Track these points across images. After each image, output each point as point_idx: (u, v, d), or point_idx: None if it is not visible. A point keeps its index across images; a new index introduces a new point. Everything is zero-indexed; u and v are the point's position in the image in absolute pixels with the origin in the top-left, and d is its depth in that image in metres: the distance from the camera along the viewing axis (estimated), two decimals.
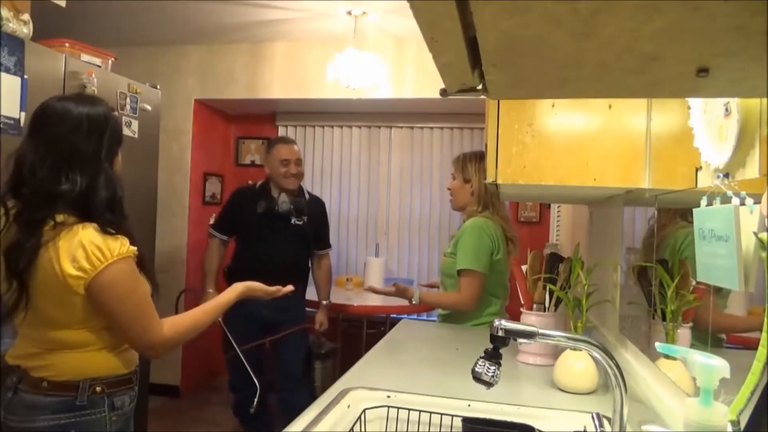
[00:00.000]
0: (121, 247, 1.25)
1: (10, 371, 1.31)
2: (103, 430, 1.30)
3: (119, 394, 1.34)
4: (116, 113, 1.39)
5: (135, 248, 1.29)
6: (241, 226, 2.92)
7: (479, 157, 2.32)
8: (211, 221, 3.13)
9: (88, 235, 1.22)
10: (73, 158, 1.24)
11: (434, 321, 2.43)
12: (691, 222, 0.88)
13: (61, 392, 1.26)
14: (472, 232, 2.19)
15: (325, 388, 1.32)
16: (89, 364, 1.29)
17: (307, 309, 3.10)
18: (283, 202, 2.84)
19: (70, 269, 1.20)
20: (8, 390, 1.29)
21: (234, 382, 2.98)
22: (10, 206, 1.27)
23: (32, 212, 1.23)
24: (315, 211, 2.97)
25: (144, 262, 1.34)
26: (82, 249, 1.20)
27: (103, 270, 1.21)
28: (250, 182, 3.07)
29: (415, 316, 3.58)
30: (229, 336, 2.84)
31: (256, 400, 2.77)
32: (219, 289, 3.00)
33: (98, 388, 1.29)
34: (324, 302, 3.07)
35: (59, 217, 1.23)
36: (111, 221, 1.27)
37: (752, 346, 0.67)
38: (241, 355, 2.81)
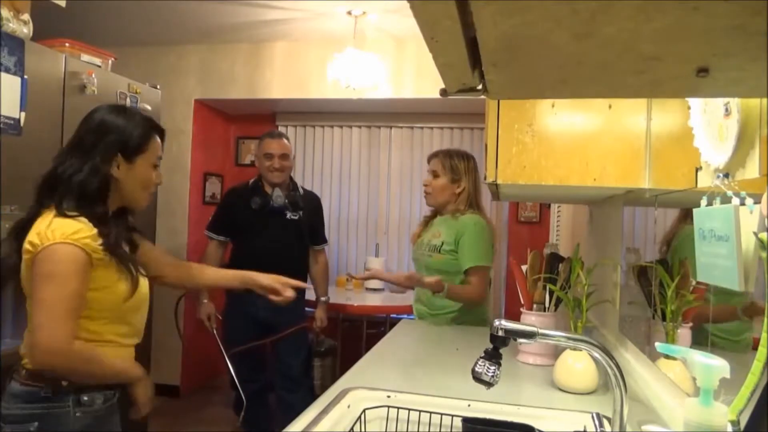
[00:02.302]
0: (76, 233, 1.25)
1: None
2: (66, 425, 1.28)
3: (88, 390, 1.32)
4: (155, 132, 1.45)
5: (96, 246, 1.27)
6: (236, 225, 2.91)
7: (465, 156, 2.36)
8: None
9: (53, 217, 1.28)
10: (75, 148, 1.36)
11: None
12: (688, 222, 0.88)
13: (32, 382, 1.28)
14: (478, 230, 2.23)
15: (325, 385, 1.32)
16: None
17: (307, 309, 3.10)
18: (278, 196, 2.83)
19: (27, 244, 1.26)
20: (8, 377, 1.34)
21: (236, 381, 2.98)
22: None
23: (39, 192, 1.34)
24: (310, 205, 2.96)
25: (120, 257, 1.33)
26: (42, 227, 1.26)
27: (47, 246, 1.23)
28: (244, 182, 3.06)
29: (414, 316, 3.57)
30: (221, 346, 2.86)
31: (242, 413, 2.79)
32: (214, 298, 3.00)
33: (64, 382, 1.29)
34: (322, 299, 3.06)
35: (49, 201, 1.31)
36: (85, 206, 1.31)
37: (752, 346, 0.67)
38: (228, 362, 2.82)
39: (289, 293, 1.58)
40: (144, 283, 1.42)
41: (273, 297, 1.60)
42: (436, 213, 2.42)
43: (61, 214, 1.28)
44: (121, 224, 1.43)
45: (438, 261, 2.28)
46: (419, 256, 2.37)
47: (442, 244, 2.27)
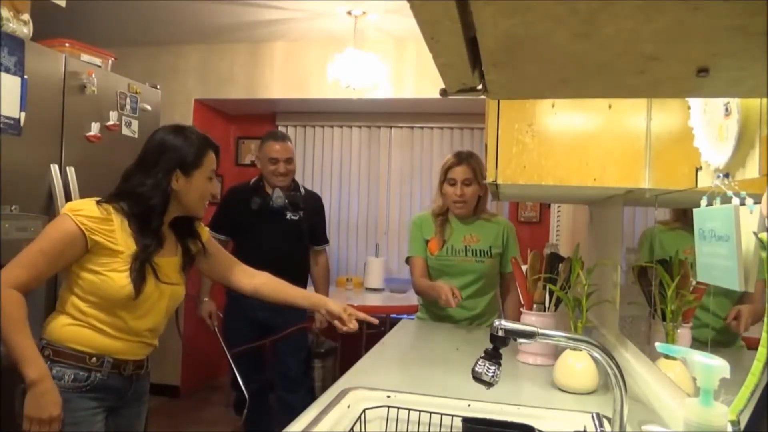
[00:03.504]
0: (79, 210, 1.38)
1: None
2: None
3: (62, 365, 1.38)
4: (212, 146, 1.59)
5: (94, 227, 1.37)
6: (236, 225, 2.91)
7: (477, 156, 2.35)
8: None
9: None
10: (141, 166, 1.50)
11: (435, 322, 2.40)
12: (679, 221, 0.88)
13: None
14: (515, 232, 2.39)
15: (325, 387, 1.32)
16: (50, 325, 1.43)
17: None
18: (278, 197, 2.81)
19: None
20: None
21: (236, 381, 2.98)
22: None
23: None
24: (311, 206, 2.95)
25: (140, 259, 1.42)
26: None
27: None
28: (245, 182, 3.06)
29: (414, 316, 3.58)
30: (223, 344, 2.85)
31: (245, 412, 2.78)
32: (214, 297, 2.99)
33: (47, 351, 1.39)
34: None
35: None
36: (134, 209, 1.44)
37: (752, 346, 0.67)
38: (232, 361, 2.81)
39: (353, 325, 1.59)
40: (149, 289, 1.45)
41: (338, 324, 1.61)
42: (446, 216, 2.31)
43: (97, 203, 1.42)
44: (181, 232, 1.60)
45: (488, 265, 2.28)
46: (458, 263, 2.24)
47: (490, 248, 2.26)
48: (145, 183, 1.46)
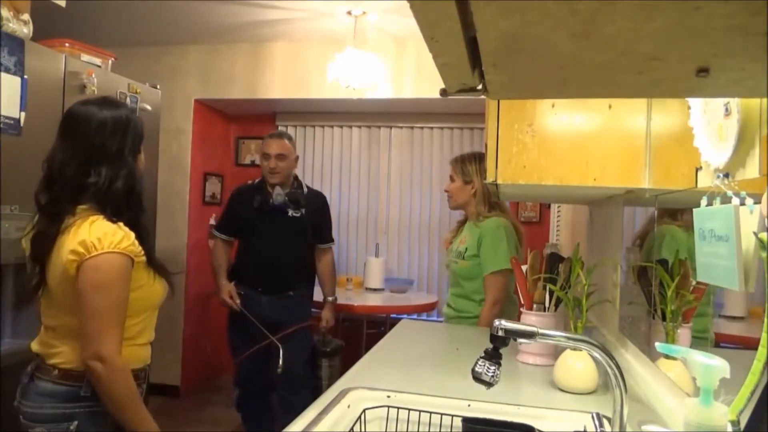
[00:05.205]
0: (121, 241, 1.26)
1: (32, 358, 1.36)
2: (103, 424, 1.29)
3: None
4: (138, 115, 1.43)
5: (138, 250, 1.30)
6: (240, 224, 2.92)
7: (478, 158, 2.39)
8: (212, 222, 3.11)
9: (97, 224, 1.27)
10: (99, 155, 1.32)
11: (434, 321, 2.42)
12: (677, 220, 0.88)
13: (68, 381, 1.29)
14: (498, 234, 2.26)
15: (332, 385, 1.33)
16: None
17: (314, 310, 3.09)
18: (278, 194, 2.83)
19: (70, 254, 1.24)
20: (26, 376, 1.34)
21: (239, 379, 2.98)
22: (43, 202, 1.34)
23: (57, 203, 1.31)
24: (314, 204, 2.96)
25: (153, 261, 1.37)
26: (86, 236, 1.25)
27: (94, 256, 1.23)
28: (249, 182, 3.07)
29: (415, 316, 3.58)
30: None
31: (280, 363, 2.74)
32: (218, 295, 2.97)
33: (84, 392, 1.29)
34: (329, 298, 3.06)
35: (80, 208, 1.30)
36: (127, 213, 1.32)
37: (752, 346, 0.67)
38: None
39: None
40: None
41: None
42: (466, 219, 2.46)
43: (111, 222, 1.28)
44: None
45: (463, 267, 2.31)
46: (449, 263, 2.42)
47: (466, 250, 2.31)
48: (119, 175, 1.31)
